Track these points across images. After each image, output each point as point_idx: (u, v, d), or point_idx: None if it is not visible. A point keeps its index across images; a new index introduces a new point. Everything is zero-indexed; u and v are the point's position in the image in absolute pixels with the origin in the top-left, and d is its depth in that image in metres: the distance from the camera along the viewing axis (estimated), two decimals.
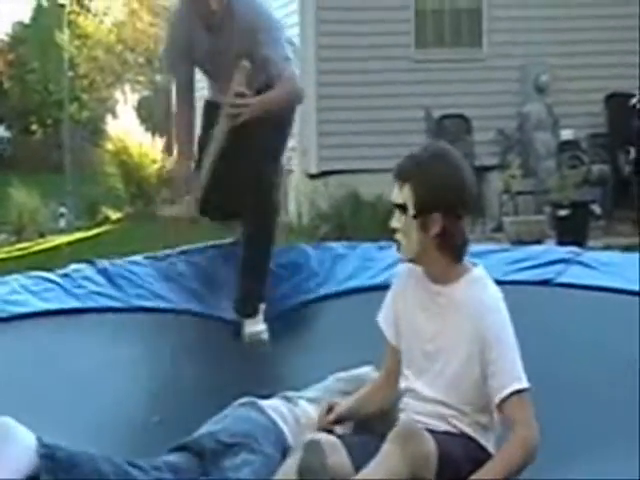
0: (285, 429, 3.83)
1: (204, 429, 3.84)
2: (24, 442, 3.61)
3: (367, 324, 3.97)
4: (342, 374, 4.19)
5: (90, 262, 5.59)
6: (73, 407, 4.37)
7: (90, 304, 5.21)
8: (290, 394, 4.01)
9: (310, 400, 4.00)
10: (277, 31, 5.83)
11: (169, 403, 4.53)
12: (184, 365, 4.91)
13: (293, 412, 3.92)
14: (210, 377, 4.77)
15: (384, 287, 4.23)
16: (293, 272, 5.73)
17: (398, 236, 3.74)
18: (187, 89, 6.22)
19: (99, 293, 5.31)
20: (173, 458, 3.76)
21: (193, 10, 5.71)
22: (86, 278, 5.39)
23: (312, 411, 3.96)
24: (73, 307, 5.15)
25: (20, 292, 5.15)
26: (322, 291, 5.60)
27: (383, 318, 3.92)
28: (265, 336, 5.38)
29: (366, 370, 4.20)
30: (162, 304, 5.43)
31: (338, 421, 3.87)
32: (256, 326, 5.41)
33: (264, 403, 3.91)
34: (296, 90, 5.84)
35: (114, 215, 19.67)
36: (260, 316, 5.46)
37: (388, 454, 3.46)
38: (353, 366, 4.23)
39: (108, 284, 5.35)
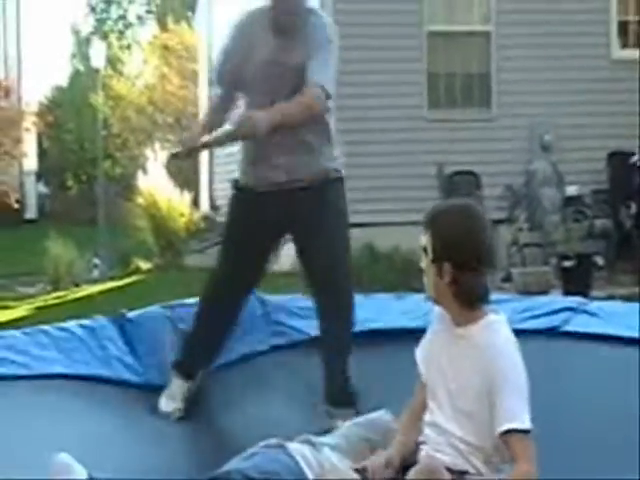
0: (309, 474, 3.76)
1: (232, 465, 3.76)
2: (79, 476, 3.63)
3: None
4: (359, 419, 4.13)
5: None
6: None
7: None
8: (314, 439, 3.93)
9: (332, 447, 3.92)
10: (331, 54, 5.44)
11: None
12: None
13: (317, 458, 3.84)
14: None
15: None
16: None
17: (424, 277, 3.77)
18: (228, 97, 5.56)
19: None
20: None
21: (275, 8, 5.37)
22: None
23: (334, 458, 3.89)
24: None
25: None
26: None
27: (418, 354, 3.91)
28: None
29: (380, 413, 4.15)
30: None
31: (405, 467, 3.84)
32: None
33: (291, 446, 3.84)
34: (313, 104, 5.31)
35: (144, 266, 19.69)
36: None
37: None
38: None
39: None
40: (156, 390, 5.15)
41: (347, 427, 4.11)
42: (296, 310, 5.94)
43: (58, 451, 3.73)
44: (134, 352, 5.45)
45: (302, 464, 3.76)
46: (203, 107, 23.34)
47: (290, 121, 5.09)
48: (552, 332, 5.46)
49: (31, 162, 39.52)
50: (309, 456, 3.81)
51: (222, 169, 21.21)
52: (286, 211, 5.24)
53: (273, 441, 3.86)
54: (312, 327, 5.41)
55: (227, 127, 5.26)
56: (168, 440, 4.74)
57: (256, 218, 5.29)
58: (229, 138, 5.28)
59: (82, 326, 5.49)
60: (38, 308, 13.38)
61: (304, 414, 4.86)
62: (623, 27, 15.60)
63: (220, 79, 5.57)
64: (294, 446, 3.84)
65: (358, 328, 5.25)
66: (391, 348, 5.24)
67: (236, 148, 17.90)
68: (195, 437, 4.93)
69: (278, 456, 3.79)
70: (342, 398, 4.93)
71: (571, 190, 13.74)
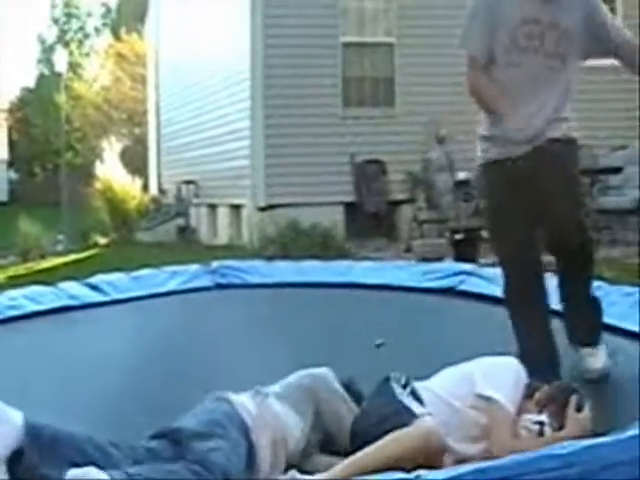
0: (248, 421, 3.70)
1: (183, 420, 3.66)
2: (12, 421, 3.48)
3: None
4: (302, 372, 4.04)
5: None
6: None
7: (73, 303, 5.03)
8: (262, 389, 3.82)
9: (277, 395, 3.86)
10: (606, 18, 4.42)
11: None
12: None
13: (259, 406, 3.78)
14: None
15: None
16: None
17: None
18: (485, 66, 4.48)
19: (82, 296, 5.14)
20: (152, 444, 3.64)
21: None
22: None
23: (277, 405, 3.83)
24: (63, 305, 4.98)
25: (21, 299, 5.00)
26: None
27: None
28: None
29: (324, 370, 4.07)
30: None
31: None
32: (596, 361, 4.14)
33: (233, 397, 3.75)
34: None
35: (102, 241, 19.55)
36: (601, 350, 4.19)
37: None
38: None
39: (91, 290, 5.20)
40: None
41: (292, 377, 4.01)
42: None
43: None
44: None
45: (240, 411, 3.71)
46: (151, 106, 23.17)
47: None
48: (449, 291, 5.47)
49: (2, 152, 39.08)
50: (249, 405, 3.75)
51: (168, 158, 21.09)
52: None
53: (217, 394, 3.81)
54: None
55: None
56: None
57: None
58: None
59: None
60: (10, 277, 13.21)
61: None
62: None
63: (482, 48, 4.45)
64: (236, 397, 3.79)
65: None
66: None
67: (181, 141, 17.56)
68: None
69: (219, 406, 3.74)
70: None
71: (461, 175, 13.80)
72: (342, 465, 3.34)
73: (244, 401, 3.76)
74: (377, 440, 3.42)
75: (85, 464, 3.27)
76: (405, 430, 3.38)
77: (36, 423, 3.51)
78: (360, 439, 3.54)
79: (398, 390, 3.78)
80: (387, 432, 3.43)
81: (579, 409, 3.46)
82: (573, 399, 3.47)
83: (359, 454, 3.37)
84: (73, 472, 3.22)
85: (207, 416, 3.67)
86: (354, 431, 3.73)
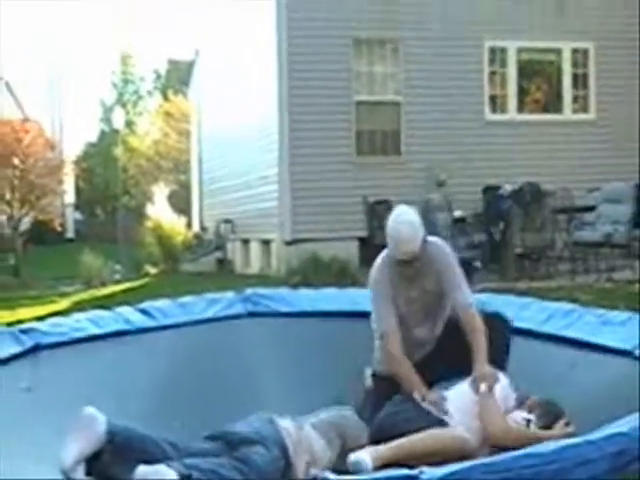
0: (289, 444, 3.72)
1: (237, 426, 3.72)
2: (98, 426, 3.49)
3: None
4: (334, 410, 4.07)
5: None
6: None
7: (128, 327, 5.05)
8: (300, 419, 3.87)
9: (313, 426, 3.88)
10: (460, 275, 4.54)
11: None
12: None
13: (298, 433, 3.80)
14: None
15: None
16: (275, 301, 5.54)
17: None
18: (396, 330, 4.45)
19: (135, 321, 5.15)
20: (205, 444, 3.66)
21: (397, 263, 4.49)
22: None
23: (312, 435, 3.85)
24: (119, 330, 5.00)
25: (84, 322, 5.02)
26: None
27: None
28: None
29: (349, 412, 4.09)
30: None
31: None
32: None
33: (278, 421, 3.80)
34: (480, 324, 4.35)
35: (152, 270, 19.59)
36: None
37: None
38: None
39: (142, 315, 5.20)
40: None
41: (325, 413, 4.03)
42: None
43: None
44: None
45: (284, 436, 3.72)
46: (194, 156, 23.28)
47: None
48: None
49: (70, 197, 39.28)
50: (292, 431, 3.77)
51: (208, 200, 21.15)
52: None
53: (265, 414, 3.83)
54: None
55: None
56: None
57: None
58: None
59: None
60: (75, 302, 13.25)
61: None
62: (493, 98, 15.72)
63: (391, 315, 4.50)
64: (281, 421, 3.81)
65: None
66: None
67: (219, 185, 17.63)
68: None
69: (268, 426, 3.75)
70: None
71: (457, 213, 13.78)
72: (386, 446, 3.35)
73: (287, 426, 3.78)
74: (401, 437, 3.42)
75: (153, 462, 3.29)
76: (445, 430, 3.38)
77: (116, 427, 3.52)
78: (387, 434, 3.54)
79: (417, 399, 3.81)
80: (411, 432, 3.43)
81: (567, 424, 3.51)
82: (564, 417, 3.55)
83: (402, 440, 3.37)
84: (143, 469, 3.24)
85: (257, 429, 3.69)
86: (380, 427, 3.73)
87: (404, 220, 4.51)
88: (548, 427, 3.59)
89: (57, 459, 3.41)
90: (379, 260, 4.65)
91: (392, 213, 4.62)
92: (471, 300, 4.47)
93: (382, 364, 4.52)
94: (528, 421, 3.65)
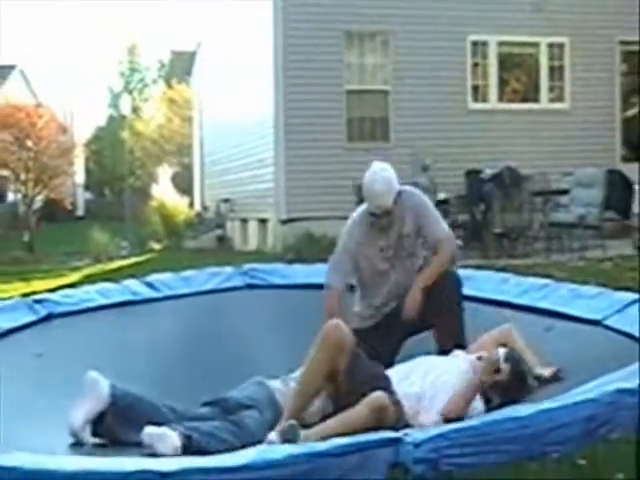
0: (281, 402, 3.72)
1: (231, 393, 3.72)
2: (102, 389, 3.50)
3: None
4: None
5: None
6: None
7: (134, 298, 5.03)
8: (288, 377, 3.84)
9: (296, 379, 3.85)
10: (435, 214, 4.59)
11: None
12: None
13: (287, 390, 3.77)
14: None
15: None
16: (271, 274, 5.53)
17: None
18: (338, 286, 4.47)
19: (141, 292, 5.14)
20: (203, 409, 3.66)
21: (372, 215, 4.48)
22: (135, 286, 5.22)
23: None
24: (126, 300, 4.98)
25: (93, 294, 5.00)
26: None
27: None
28: None
29: None
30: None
31: None
32: None
33: (270, 383, 3.79)
34: (452, 252, 4.55)
35: (156, 247, 19.60)
36: None
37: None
38: None
39: (147, 288, 5.18)
40: None
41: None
42: None
43: None
44: None
45: (277, 395, 3.72)
46: (196, 140, 23.22)
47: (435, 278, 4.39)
48: None
49: (80, 178, 39.23)
50: (282, 390, 3.77)
51: (209, 181, 21.11)
52: None
53: (258, 378, 3.82)
54: None
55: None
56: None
57: None
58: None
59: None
60: (85, 276, 13.25)
61: None
62: (475, 88, 15.71)
63: (341, 272, 4.52)
64: (273, 382, 3.80)
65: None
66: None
67: (219, 168, 17.60)
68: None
69: (261, 389, 3.75)
70: None
71: (441, 196, 13.75)
72: (314, 430, 3.30)
73: (278, 386, 3.78)
74: (357, 396, 3.39)
75: (156, 424, 3.29)
76: (359, 406, 3.31)
77: (118, 390, 3.52)
78: (348, 394, 3.50)
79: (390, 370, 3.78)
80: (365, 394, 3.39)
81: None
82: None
83: (321, 427, 3.32)
84: (149, 430, 3.25)
85: (250, 394, 3.69)
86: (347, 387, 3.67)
87: (379, 176, 4.50)
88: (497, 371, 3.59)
89: (66, 421, 3.41)
90: (355, 214, 4.65)
91: (369, 169, 4.60)
92: (446, 233, 4.52)
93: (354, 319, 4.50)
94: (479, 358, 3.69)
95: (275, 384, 3.79)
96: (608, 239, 12.43)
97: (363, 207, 4.63)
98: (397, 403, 3.45)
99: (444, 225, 4.58)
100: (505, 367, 3.61)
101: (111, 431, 3.44)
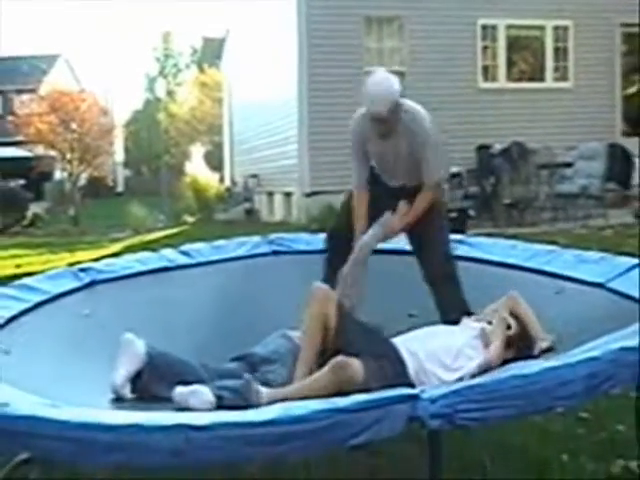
0: None
1: (257, 348, 3.70)
2: (138, 349, 3.49)
3: None
4: None
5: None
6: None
7: (171, 264, 5.01)
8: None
9: None
10: (435, 147, 4.30)
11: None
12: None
13: None
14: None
15: None
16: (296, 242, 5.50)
17: None
18: (365, 183, 4.40)
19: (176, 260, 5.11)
20: (231, 365, 3.65)
21: (370, 119, 4.21)
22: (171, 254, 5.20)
23: None
24: (163, 266, 4.97)
25: (133, 262, 5.00)
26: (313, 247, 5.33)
27: None
28: None
29: None
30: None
31: None
32: None
33: (293, 334, 3.76)
34: (439, 193, 4.35)
35: (190, 219, 19.64)
36: None
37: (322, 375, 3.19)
38: None
39: (183, 255, 5.17)
40: None
41: None
42: None
43: None
44: None
45: (298, 343, 3.70)
46: (226, 121, 23.16)
47: (417, 218, 4.25)
48: None
49: (120, 156, 39.35)
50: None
51: (238, 158, 21.09)
52: None
53: (282, 331, 3.80)
54: None
55: (376, 229, 4.26)
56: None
57: None
58: (377, 240, 4.29)
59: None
60: (125, 247, 13.31)
61: None
62: (485, 69, 15.58)
63: (362, 179, 4.45)
64: (293, 333, 3.78)
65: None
66: None
67: (247, 146, 17.56)
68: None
69: (283, 342, 3.73)
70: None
71: (454, 169, 13.67)
72: (282, 390, 3.23)
73: (300, 336, 3.76)
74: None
75: (187, 382, 3.27)
76: (325, 369, 3.20)
77: (153, 349, 3.52)
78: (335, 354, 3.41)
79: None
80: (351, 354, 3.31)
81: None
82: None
83: (289, 389, 3.24)
84: (180, 389, 3.22)
85: (273, 347, 3.68)
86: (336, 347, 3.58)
87: (380, 81, 4.19)
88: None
89: (107, 380, 3.42)
90: (357, 114, 4.40)
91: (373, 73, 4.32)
92: (435, 178, 4.27)
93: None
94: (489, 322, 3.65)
95: (296, 333, 3.77)
96: (609, 208, 12.36)
97: (363, 109, 4.31)
98: (381, 367, 3.28)
99: (435, 168, 4.26)
100: (513, 323, 3.61)
101: (148, 388, 3.44)
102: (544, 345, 3.57)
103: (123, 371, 3.42)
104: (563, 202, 12.77)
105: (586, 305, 3.85)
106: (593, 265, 4.23)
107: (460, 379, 3.30)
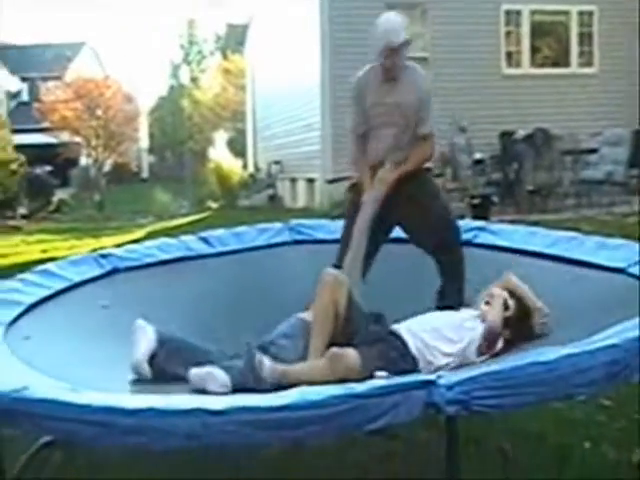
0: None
1: (271, 333, 3.72)
2: (149, 333, 3.54)
3: None
4: None
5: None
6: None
7: (190, 253, 5.02)
8: None
9: None
10: (429, 107, 4.45)
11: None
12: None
13: None
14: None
15: None
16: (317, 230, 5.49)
17: None
18: (363, 127, 4.50)
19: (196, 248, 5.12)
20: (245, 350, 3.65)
21: (381, 56, 4.29)
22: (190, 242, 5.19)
23: None
24: (182, 256, 4.98)
25: (153, 249, 4.99)
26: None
27: None
28: None
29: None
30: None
31: None
32: None
33: (306, 316, 3.76)
34: (431, 152, 4.46)
35: (213, 205, 19.69)
36: None
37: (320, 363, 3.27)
38: None
39: (203, 243, 5.17)
40: None
41: None
42: None
43: None
44: None
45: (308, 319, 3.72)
46: (249, 107, 23.17)
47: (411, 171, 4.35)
48: (466, 243, 5.35)
49: (144, 143, 39.48)
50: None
51: (261, 145, 21.09)
52: None
53: (299, 315, 3.82)
54: None
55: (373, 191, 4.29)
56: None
57: None
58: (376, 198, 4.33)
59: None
60: (148, 232, 13.38)
61: None
62: (509, 54, 15.47)
63: (359, 126, 4.53)
64: (308, 315, 3.78)
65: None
66: None
67: (270, 132, 17.59)
68: None
69: (295, 322, 3.75)
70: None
71: (477, 155, 13.63)
72: (289, 368, 3.29)
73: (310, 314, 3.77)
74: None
75: (203, 364, 3.32)
76: (323, 359, 3.28)
77: (164, 334, 3.56)
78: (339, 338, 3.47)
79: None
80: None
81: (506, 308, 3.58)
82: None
83: (298, 365, 3.31)
84: (196, 370, 3.27)
85: (285, 326, 3.71)
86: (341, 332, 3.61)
87: (392, 17, 4.45)
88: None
89: (127, 364, 3.45)
90: (366, 67, 4.53)
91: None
92: (431, 130, 4.43)
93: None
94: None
95: (306, 314, 3.80)
96: (634, 195, 12.23)
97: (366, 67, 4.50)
98: (380, 352, 3.33)
99: (429, 124, 4.46)
100: (512, 303, 3.59)
101: (163, 369, 3.48)
102: (544, 319, 3.56)
103: (138, 352, 3.47)
104: (587, 189, 12.68)
105: (606, 290, 3.82)
106: (614, 251, 4.19)
107: (463, 350, 3.40)
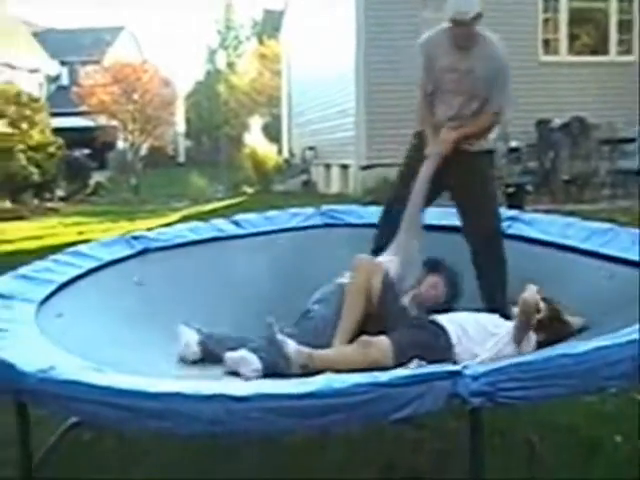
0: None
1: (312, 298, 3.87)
2: (192, 337, 3.68)
3: None
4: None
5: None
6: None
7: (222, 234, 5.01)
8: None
9: None
10: (508, 77, 4.35)
11: None
12: None
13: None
14: None
15: None
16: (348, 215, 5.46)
17: None
18: (429, 91, 4.43)
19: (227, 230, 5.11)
20: (289, 329, 3.65)
21: (454, 25, 4.20)
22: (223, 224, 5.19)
23: None
24: (213, 236, 4.97)
25: (185, 232, 5.00)
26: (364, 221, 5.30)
27: None
28: None
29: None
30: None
31: None
32: None
33: (343, 281, 3.84)
34: (495, 121, 4.36)
35: (249, 190, 19.71)
36: None
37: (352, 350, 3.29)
38: None
39: (233, 225, 5.16)
40: None
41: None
42: None
43: None
44: None
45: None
46: (284, 93, 23.14)
47: (471, 137, 4.30)
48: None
49: (181, 127, 39.63)
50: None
51: (296, 130, 21.06)
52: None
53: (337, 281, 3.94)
54: None
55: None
56: None
57: None
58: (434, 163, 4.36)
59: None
60: (184, 216, 13.41)
61: None
62: (546, 42, 15.25)
63: (427, 85, 4.46)
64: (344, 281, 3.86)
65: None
66: None
67: (305, 118, 17.52)
68: None
69: (330, 285, 3.91)
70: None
71: (513, 144, 13.47)
72: (322, 352, 3.32)
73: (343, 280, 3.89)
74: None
75: (237, 348, 3.47)
76: (353, 346, 3.31)
77: (204, 336, 3.72)
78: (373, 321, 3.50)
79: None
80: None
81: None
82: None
83: (330, 351, 3.35)
84: (230, 355, 3.43)
85: (319, 296, 3.88)
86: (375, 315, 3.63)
87: None
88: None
89: (157, 345, 3.48)
90: (438, 27, 4.40)
91: None
92: (500, 107, 4.32)
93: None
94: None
95: (344, 279, 3.87)
96: None
97: (439, 27, 4.35)
98: (414, 339, 3.32)
99: (508, 94, 4.34)
100: (543, 306, 3.53)
101: (212, 355, 3.63)
102: (579, 322, 3.50)
103: (183, 352, 3.65)
104: (623, 179, 12.48)
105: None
106: None
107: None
